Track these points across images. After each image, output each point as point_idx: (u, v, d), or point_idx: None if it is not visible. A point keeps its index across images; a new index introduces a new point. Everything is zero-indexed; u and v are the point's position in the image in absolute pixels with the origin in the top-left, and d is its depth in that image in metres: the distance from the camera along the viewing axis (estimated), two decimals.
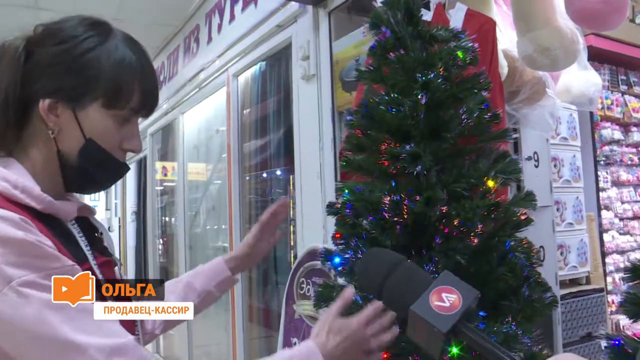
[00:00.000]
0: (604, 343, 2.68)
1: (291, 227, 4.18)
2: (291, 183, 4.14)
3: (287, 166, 3.86)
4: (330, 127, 2.67)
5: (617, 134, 3.90)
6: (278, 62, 3.51)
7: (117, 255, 1.12)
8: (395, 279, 0.82)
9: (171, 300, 1.31)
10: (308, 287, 2.57)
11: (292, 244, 4.17)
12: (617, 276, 3.67)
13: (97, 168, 1.01)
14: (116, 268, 1.08)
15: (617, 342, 0.92)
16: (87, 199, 7.64)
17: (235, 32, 3.70)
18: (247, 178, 4.11)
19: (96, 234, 1.08)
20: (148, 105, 1.02)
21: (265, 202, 4.23)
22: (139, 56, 1.01)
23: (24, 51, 0.97)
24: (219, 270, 1.32)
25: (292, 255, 4.22)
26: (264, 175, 4.29)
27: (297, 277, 2.66)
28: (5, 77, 0.96)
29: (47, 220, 0.91)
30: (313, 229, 2.87)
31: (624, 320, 3.46)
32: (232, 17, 3.77)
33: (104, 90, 0.96)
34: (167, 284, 1.37)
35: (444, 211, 1.20)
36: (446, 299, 0.74)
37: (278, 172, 4.20)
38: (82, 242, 0.97)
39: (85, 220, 1.07)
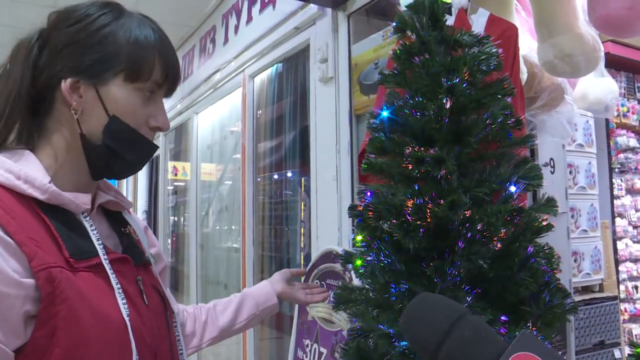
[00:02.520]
0: (617, 353, 2.68)
1: (302, 229, 4.20)
2: (302, 185, 4.16)
3: (300, 168, 3.88)
4: (347, 130, 2.68)
5: (633, 142, 3.90)
6: (295, 63, 3.53)
7: (149, 253, 1.11)
8: (458, 337, 0.64)
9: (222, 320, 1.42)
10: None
11: (302, 245, 4.18)
12: (630, 284, 3.66)
13: (123, 147, 0.99)
14: (152, 267, 1.08)
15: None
16: None
17: (252, 34, 3.72)
18: (259, 179, 4.13)
19: (123, 229, 1.07)
20: (171, 78, 1.02)
21: (278, 203, 4.25)
22: (156, 31, 1.02)
23: (38, 41, 0.99)
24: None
25: (302, 257, 4.24)
26: (275, 176, 4.31)
27: (311, 279, 2.66)
28: (20, 71, 0.97)
29: (53, 212, 0.91)
30: (328, 231, 2.89)
31: (637, 329, 3.45)
32: (250, 19, 3.79)
33: (124, 63, 0.96)
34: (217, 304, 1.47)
35: (467, 215, 1.21)
36: None
37: (289, 174, 4.22)
38: (94, 236, 0.95)
39: (119, 216, 1.09)
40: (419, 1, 1.40)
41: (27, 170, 0.90)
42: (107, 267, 0.93)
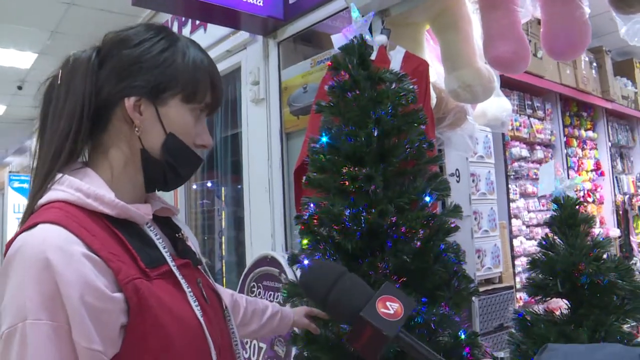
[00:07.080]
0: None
1: (222, 238, 4.37)
2: (223, 195, 4.32)
3: (218, 179, 4.03)
4: (278, 147, 2.94)
5: (524, 152, 4.35)
6: (226, 82, 3.73)
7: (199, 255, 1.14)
8: (341, 287, 0.87)
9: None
10: (259, 290, 2.82)
11: (222, 254, 4.36)
12: (525, 276, 4.08)
13: (179, 162, 1.04)
14: (200, 267, 1.11)
15: (520, 314, 1.26)
16: None
17: None
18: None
19: (177, 235, 1.10)
20: (218, 101, 1.09)
21: (199, 213, 4.41)
22: (205, 54, 1.08)
23: (97, 59, 1.00)
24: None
25: (222, 264, 4.40)
26: (194, 187, 4.47)
27: (248, 282, 2.90)
28: (82, 88, 0.97)
29: (122, 225, 0.93)
30: (261, 238, 3.12)
31: None
32: None
33: (183, 85, 1.01)
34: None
35: (393, 221, 1.50)
36: (391, 307, 0.81)
37: (209, 185, 4.38)
38: (160, 245, 0.97)
39: (168, 221, 1.11)
40: (349, 45, 1.69)
41: (95, 189, 0.92)
42: (177, 273, 0.96)
